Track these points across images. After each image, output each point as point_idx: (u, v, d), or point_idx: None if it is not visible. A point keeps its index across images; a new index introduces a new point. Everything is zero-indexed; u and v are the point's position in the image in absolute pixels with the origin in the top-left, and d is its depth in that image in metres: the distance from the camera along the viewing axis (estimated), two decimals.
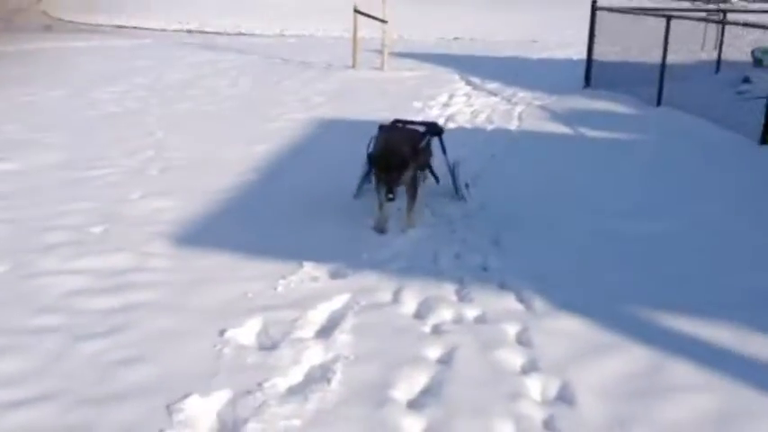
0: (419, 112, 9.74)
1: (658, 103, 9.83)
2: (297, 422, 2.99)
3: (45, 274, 4.38)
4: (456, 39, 20.42)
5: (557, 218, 5.57)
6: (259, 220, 5.44)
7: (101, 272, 4.44)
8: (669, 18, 9.85)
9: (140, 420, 2.97)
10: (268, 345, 3.62)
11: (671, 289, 4.31)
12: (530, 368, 3.43)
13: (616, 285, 4.35)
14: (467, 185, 6.00)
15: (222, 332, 3.70)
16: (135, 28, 21.44)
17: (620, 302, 4.10)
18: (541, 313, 3.96)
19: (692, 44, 11.90)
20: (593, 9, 11.55)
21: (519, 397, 3.19)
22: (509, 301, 4.12)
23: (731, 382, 3.30)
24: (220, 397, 3.15)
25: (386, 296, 4.16)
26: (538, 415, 3.07)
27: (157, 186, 6.21)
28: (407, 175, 5.01)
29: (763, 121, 7.81)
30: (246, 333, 3.72)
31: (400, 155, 4.99)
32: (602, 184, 6.51)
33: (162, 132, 8.26)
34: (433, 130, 5.86)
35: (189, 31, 20.95)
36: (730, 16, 13.12)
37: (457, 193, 5.88)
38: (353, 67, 13.75)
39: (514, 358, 3.52)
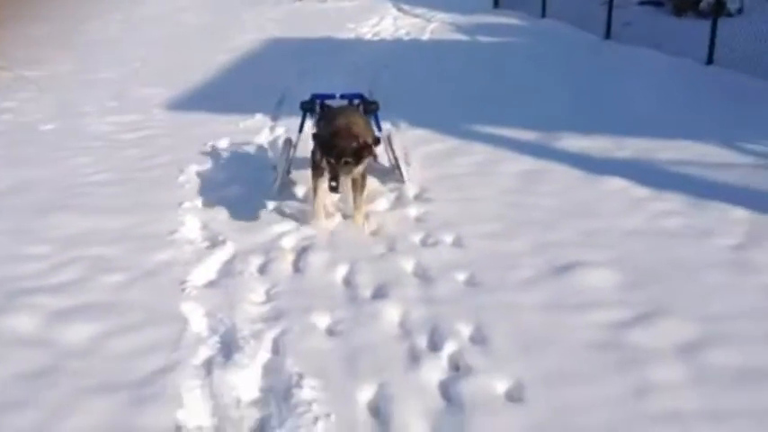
0: (351, 31, 12.04)
1: (543, 15, 12.27)
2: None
3: (86, 125, 6.75)
4: None
5: (434, 87, 8.03)
6: (223, 95, 7.81)
7: (122, 123, 6.80)
8: None
9: (166, 174, 5.38)
10: (234, 149, 6.03)
11: (491, 113, 6.80)
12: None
13: (454, 114, 6.82)
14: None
15: (205, 144, 6.09)
16: None
17: (451, 120, 6.54)
18: (404, 129, 6.41)
19: None
20: None
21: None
22: (386, 126, 6.55)
23: (497, 148, 5.79)
24: (209, 165, 5.57)
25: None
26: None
27: (148, 81, 8.54)
28: (364, 164, 4.24)
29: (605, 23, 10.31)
30: (220, 144, 6.12)
31: (358, 139, 4.15)
32: (474, 69, 8.95)
33: (144, 50, 10.49)
34: (368, 107, 4.99)
35: None
36: None
37: (397, 170, 5.17)
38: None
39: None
